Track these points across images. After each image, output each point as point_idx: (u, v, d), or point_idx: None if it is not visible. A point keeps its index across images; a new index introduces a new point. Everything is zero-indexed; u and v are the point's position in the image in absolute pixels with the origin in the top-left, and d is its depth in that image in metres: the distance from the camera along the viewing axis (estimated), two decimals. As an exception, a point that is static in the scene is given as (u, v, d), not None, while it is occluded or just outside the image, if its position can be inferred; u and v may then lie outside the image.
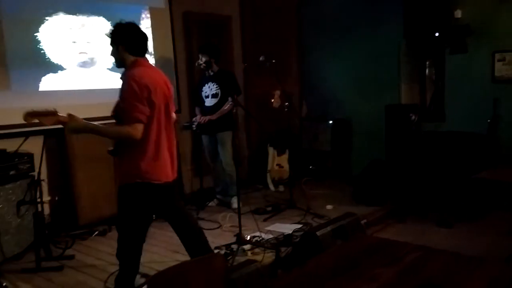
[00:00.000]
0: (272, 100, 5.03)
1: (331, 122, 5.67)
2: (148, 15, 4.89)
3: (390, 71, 5.30)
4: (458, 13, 4.65)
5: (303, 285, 1.60)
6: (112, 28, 2.63)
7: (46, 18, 4.05)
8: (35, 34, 3.97)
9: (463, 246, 3.42)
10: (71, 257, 3.49)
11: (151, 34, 4.88)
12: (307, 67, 6.14)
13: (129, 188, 2.57)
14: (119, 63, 2.64)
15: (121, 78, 2.57)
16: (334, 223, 3.21)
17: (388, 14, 5.25)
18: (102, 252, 3.60)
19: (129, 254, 2.70)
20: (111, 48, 2.64)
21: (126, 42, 2.56)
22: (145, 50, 2.65)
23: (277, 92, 5.03)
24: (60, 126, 2.49)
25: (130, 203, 2.60)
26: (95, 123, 2.62)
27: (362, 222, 3.91)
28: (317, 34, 5.97)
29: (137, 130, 2.40)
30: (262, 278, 2.38)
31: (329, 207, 4.52)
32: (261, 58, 4.43)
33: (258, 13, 6.00)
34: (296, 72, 6.15)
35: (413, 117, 4.83)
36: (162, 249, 3.62)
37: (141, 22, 4.82)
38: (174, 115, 2.84)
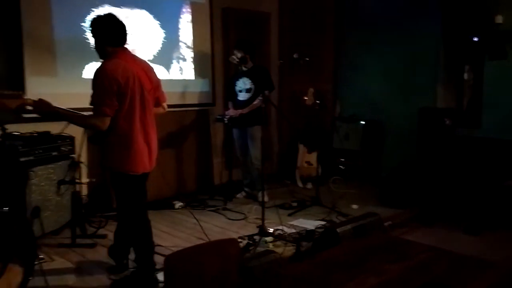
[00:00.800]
0: (305, 98, 5.09)
1: (363, 122, 5.65)
2: (189, 10, 5.05)
3: (426, 74, 5.23)
4: (499, 19, 4.52)
5: (311, 275, 1.67)
6: (90, 22, 2.71)
7: (93, 9, 4.28)
8: (81, 24, 4.21)
9: (488, 254, 3.37)
10: (104, 236, 3.70)
11: (191, 29, 5.06)
12: (342, 66, 6.14)
13: (113, 175, 2.75)
14: (100, 54, 2.73)
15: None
16: (356, 222, 3.26)
17: (427, 16, 5.18)
18: (132, 234, 3.79)
19: (134, 234, 2.86)
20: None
21: (103, 34, 2.66)
22: (122, 40, 2.70)
23: (311, 90, 5.09)
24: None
25: (117, 188, 2.79)
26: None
27: (387, 224, 3.93)
28: (355, 33, 5.95)
29: (103, 122, 2.54)
30: (280, 268, 2.46)
31: (354, 206, 4.54)
32: (295, 56, 4.51)
33: (297, 11, 6.05)
34: (331, 70, 6.15)
35: (448, 122, 4.76)
36: (187, 235, 3.77)
37: (182, 16, 5.00)
38: (165, 105, 2.97)
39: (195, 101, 5.17)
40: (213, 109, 5.36)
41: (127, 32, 2.74)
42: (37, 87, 3.92)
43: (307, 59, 4.49)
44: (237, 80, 4.74)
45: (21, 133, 3.64)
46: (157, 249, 3.39)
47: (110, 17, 2.70)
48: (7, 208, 2.71)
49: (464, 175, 4.43)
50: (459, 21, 4.95)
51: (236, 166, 5.08)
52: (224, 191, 4.87)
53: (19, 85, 3.84)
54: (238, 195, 4.95)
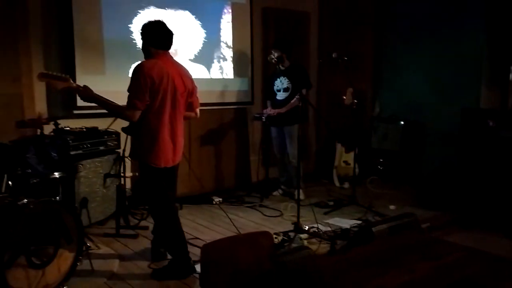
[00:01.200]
0: (344, 97, 5.08)
1: (402, 122, 5.58)
2: (230, 10, 5.17)
3: (469, 73, 5.09)
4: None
5: (343, 268, 1.72)
6: (142, 25, 2.96)
7: (139, 11, 4.47)
8: (128, 26, 4.41)
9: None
10: (145, 227, 3.87)
11: (231, 29, 5.17)
12: (382, 66, 6.07)
13: (140, 165, 2.99)
14: (145, 54, 2.96)
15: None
16: (392, 221, 3.24)
17: (471, 15, 5.04)
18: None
19: (168, 225, 3.04)
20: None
21: (150, 37, 2.91)
22: (166, 44, 2.95)
23: (350, 90, 5.06)
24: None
25: (143, 178, 3.06)
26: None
27: (425, 225, 3.87)
28: (395, 33, 5.87)
29: (133, 114, 2.77)
30: (312, 262, 2.51)
31: (392, 207, 4.50)
32: (333, 55, 4.52)
33: (337, 10, 6.04)
34: (371, 70, 6.10)
35: (491, 123, 4.62)
36: (224, 229, 3.88)
37: (223, 16, 5.12)
38: (197, 111, 3.17)
39: (234, 100, 5.29)
40: (251, 108, 5.46)
41: (172, 38, 2.98)
42: (87, 84, 4.13)
43: (346, 58, 4.49)
44: (275, 79, 4.81)
45: (71, 128, 3.87)
46: (195, 241, 3.55)
47: (159, 23, 2.95)
48: (58, 197, 2.92)
49: (507, 178, 4.29)
50: (504, 20, 4.79)
51: (273, 164, 5.16)
52: (261, 188, 4.96)
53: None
54: (275, 193, 5.02)
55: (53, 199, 2.80)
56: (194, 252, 3.32)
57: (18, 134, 3.56)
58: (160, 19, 2.99)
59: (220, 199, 4.75)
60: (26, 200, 2.58)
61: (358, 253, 1.89)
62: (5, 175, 2.68)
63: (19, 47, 3.74)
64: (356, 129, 5.37)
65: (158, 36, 2.92)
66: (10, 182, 2.72)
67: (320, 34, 6.11)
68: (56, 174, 2.94)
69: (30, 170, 2.83)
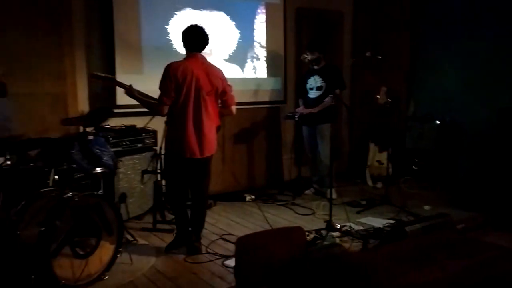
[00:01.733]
0: (378, 96, 5.05)
1: (438, 122, 5.48)
2: (264, 10, 5.23)
3: (508, 73, 4.95)
4: None
5: (375, 263, 1.75)
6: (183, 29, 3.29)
7: (176, 12, 4.60)
8: (165, 27, 4.54)
9: None
10: (181, 223, 3.99)
11: (265, 29, 5.23)
12: (418, 65, 5.98)
13: (165, 152, 3.37)
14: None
15: None
16: (425, 221, 3.23)
17: (509, 14, 4.89)
18: (207, 223, 3.97)
19: (172, 205, 3.52)
20: None
21: (184, 40, 3.26)
22: (196, 47, 3.24)
23: (383, 89, 5.03)
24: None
25: (165, 164, 3.49)
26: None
27: (460, 226, 3.82)
28: (431, 31, 5.77)
29: (162, 109, 3.16)
30: (344, 256, 2.54)
31: (426, 207, 4.44)
32: (367, 54, 4.50)
33: (372, 9, 6.00)
34: (406, 69, 6.02)
35: (530, 123, 4.49)
36: (257, 226, 3.94)
37: (257, 17, 5.19)
38: (232, 109, 3.43)
39: (267, 99, 5.35)
40: (284, 107, 5.51)
41: (202, 42, 3.25)
42: (126, 83, 4.30)
43: (380, 57, 4.47)
44: (309, 78, 4.84)
45: (112, 126, 4.04)
46: (228, 237, 3.63)
47: (191, 28, 3.25)
48: (100, 191, 3.07)
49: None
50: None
51: (306, 163, 5.19)
52: (293, 187, 5.00)
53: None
54: (307, 192, 5.05)
55: (95, 193, 2.95)
56: (227, 247, 3.43)
57: (62, 131, 3.76)
58: (196, 24, 3.27)
59: (253, 197, 4.82)
60: (71, 193, 2.74)
61: (390, 250, 1.91)
62: (52, 170, 2.84)
63: (63, 48, 3.93)
64: (390, 129, 5.33)
65: (189, 40, 3.24)
66: (56, 177, 2.88)
67: (354, 33, 6.08)
68: (98, 170, 3.08)
69: (74, 165, 2.99)
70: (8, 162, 2.59)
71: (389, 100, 4.70)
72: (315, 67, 4.74)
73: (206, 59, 3.30)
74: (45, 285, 2.53)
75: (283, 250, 1.84)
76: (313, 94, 4.79)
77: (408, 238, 2.54)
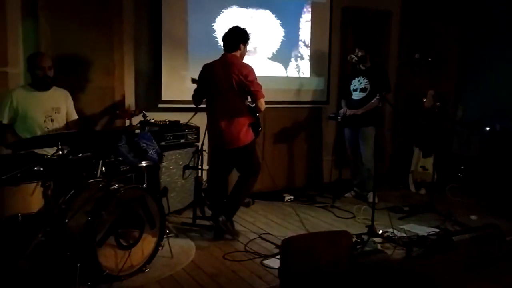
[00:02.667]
0: (424, 100, 4.88)
1: (488, 128, 5.24)
2: (309, 9, 5.17)
3: None
4: None
5: (424, 272, 1.68)
6: None
7: (222, 10, 4.62)
8: (212, 24, 4.57)
9: None
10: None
11: (310, 28, 5.17)
12: (468, 67, 5.74)
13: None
14: None
15: None
16: (474, 232, 3.08)
17: None
18: (245, 221, 4.05)
19: (211, 191, 3.84)
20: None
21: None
22: (225, 47, 3.53)
23: (431, 92, 4.85)
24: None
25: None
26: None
27: (509, 238, 3.63)
28: (484, 32, 5.52)
29: (195, 104, 3.72)
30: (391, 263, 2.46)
31: (473, 217, 4.25)
32: (416, 56, 4.36)
33: (420, 9, 5.81)
34: (455, 72, 5.80)
35: None
36: (295, 227, 3.90)
37: (302, 15, 5.13)
38: (257, 103, 3.50)
39: (310, 99, 5.29)
40: (326, 107, 5.43)
41: (226, 43, 3.52)
42: (171, 80, 4.37)
43: (430, 59, 4.31)
44: (353, 78, 4.74)
45: (156, 121, 4.09)
46: (266, 236, 3.61)
47: (228, 30, 3.55)
48: (145, 185, 3.13)
49: None
50: None
51: (347, 165, 5.09)
52: (333, 189, 4.91)
53: (158, 78, 4.33)
54: (347, 195, 4.95)
55: (140, 186, 2.99)
56: (266, 247, 3.41)
57: (109, 124, 3.86)
58: (233, 26, 3.56)
59: (292, 197, 4.78)
60: (117, 185, 2.80)
61: (441, 260, 1.82)
62: (100, 161, 2.91)
63: (113, 42, 4.02)
64: (436, 133, 5.15)
65: (223, 41, 3.57)
66: (103, 168, 2.95)
67: (401, 33, 5.92)
68: (144, 163, 3.13)
69: (121, 158, 3.05)
70: (60, 153, 2.67)
71: (437, 104, 4.53)
72: (361, 67, 4.63)
73: (233, 58, 3.50)
74: (90, 273, 2.59)
75: (329, 253, 1.80)
76: (356, 95, 4.69)
77: (457, 249, 2.43)
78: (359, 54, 4.53)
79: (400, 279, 1.48)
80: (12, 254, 2.59)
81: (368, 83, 4.60)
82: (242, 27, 3.55)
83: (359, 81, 4.67)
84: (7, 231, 2.59)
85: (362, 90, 4.65)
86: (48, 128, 3.21)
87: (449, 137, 5.55)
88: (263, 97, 3.49)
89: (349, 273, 1.62)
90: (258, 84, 3.47)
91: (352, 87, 4.75)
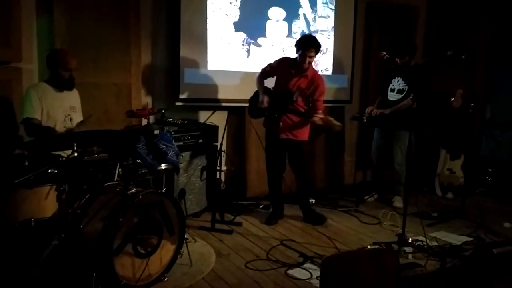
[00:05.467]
0: (453, 99, 4.64)
1: (520, 130, 4.99)
2: (333, 4, 4.95)
3: None
4: None
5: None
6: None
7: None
8: (233, 19, 4.38)
9: None
10: (239, 224, 3.84)
11: (333, 23, 4.96)
12: (499, 65, 5.48)
13: None
14: None
15: None
16: (515, 243, 2.86)
17: None
18: (266, 226, 3.87)
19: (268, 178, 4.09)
20: None
21: None
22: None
23: (459, 91, 4.61)
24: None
25: None
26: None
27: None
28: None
29: None
30: (426, 284, 2.27)
31: (507, 225, 4.02)
32: (448, 53, 4.10)
33: (448, 5, 5.56)
34: (484, 71, 5.54)
35: None
36: (319, 234, 3.72)
37: (324, 10, 4.91)
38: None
39: (331, 97, 5.07)
40: (349, 107, 5.21)
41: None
42: (191, 78, 4.20)
43: (463, 56, 4.06)
44: (393, 77, 4.47)
45: (173, 120, 3.92)
46: (290, 243, 3.43)
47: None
48: (164, 189, 2.96)
49: None
50: None
51: (370, 167, 4.87)
52: (356, 192, 4.70)
53: (176, 76, 4.15)
54: (369, 198, 4.74)
55: (159, 191, 2.83)
56: (288, 254, 3.23)
57: (125, 123, 3.69)
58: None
59: (313, 200, 4.57)
60: (135, 190, 2.64)
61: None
62: (118, 164, 2.75)
63: (130, 39, 3.86)
64: (464, 135, 4.91)
65: None
66: (120, 171, 2.79)
67: (428, 30, 5.67)
68: (163, 166, 2.97)
69: (139, 160, 2.89)
70: (75, 154, 2.51)
71: (472, 104, 4.28)
72: (404, 68, 4.35)
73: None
74: (106, 283, 2.44)
75: (372, 274, 1.61)
76: (392, 97, 4.42)
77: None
78: (400, 62, 4.29)
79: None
80: (25, 262, 2.45)
81: (406, 84, 4.35)
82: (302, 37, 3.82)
83: (398, 81, 4.42)
84: (20, 237, 2.45)
85: (399, 91, 4.39)
86: (67, 127, 3.06)
87: (478, 139, 5.30)
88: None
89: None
90: None
91: (390, 86, 4.48)
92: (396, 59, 4.31)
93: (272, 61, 3.91)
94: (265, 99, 3.77)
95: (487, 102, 5.54)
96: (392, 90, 4.44)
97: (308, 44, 3.66)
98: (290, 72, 3.80)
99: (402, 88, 4.35)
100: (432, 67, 5.36)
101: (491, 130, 5.23)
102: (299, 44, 3.71)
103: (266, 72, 3.88)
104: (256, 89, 3.92)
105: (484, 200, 4.77)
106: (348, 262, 1.61)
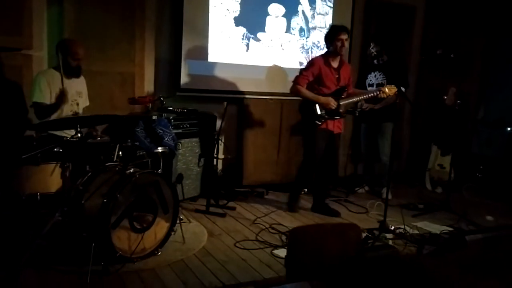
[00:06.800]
0: (445, 97, 4.81)
1: (510, 128, 5.13)
2: (331, 1, 5.12)
3: None
4: None
5: (434, 270, 1.68)
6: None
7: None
8: (233, 12, 4.57)
9: None
10: (233, 208, 4.06)
11: (331, 19, 5.13)
12: (493, 66, 5.62)
13: None
14: None
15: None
16: (488, 232, 3.04)
17: None
18: (258, 210, 4.09)
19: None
20: None
21: None
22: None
23: (452, 89, 4.77)
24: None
25: None
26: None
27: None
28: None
29: None
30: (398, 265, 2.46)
31: (489, 218, 4.19)
32: (438, 51, 4.28)
33: (445, 4, 5.70)
34: (479, 70, 5.68)
35: None
36: (306, 219, 3.92)
37: (323, 6, 5.08)
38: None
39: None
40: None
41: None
42: (192, 69, 4.41)
43: (452, 56, 4.23)
44: (369, 73, 4.67)
45: (174, 108, 4.13)
46: (278, 227, 3.64)
47: None
48: (160, 170, 3.18)
49: None
50: None
51: (362, 160, 5.06)
52: (347, 184, 4.90)
53: (177, 66, 4.37)
54: (360, 190, 4.93)
55: (155, 171, 3.05)
56: (276, 237, 3.44)
57: (128, 110, 3.93)
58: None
59: (306, 189, 4.78)
60: (133, 170, 2.86)
61: (451, 259, 1.82)
62: (118, 145, 2.97)
63: (135, 30, 4.08)
64: (456, 132, 5.07)
65: None
66: (120, 152, 3.01)
67: (425, 29, 5.81)
68: (160, 149, 3.19)
69: (137, 143, 3.11)
70: (78, 135, 2.73)
71: (458, 102, 4.45)
72: (380, 61, 4.57)
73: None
74: (103, 254, 2.67)
75: (337, 245, 1.81)
76: None
77: (469, 248, 2.41)
78: (374, 49, 4.47)
79: (408, 274, 1.49)
80: (30, 231, 2.69)
81: (384, 78, 4.53)
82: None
83: (375, 76, 4.61)
84: (27, 209, 2.69)
85: (378, 85, 4.58)
86: (73, 111, 3.29)
87: (469, 136, 5.46)
88: (293, 82, 3.89)
89: (357, 266, 1.64)
90: (299, 72, 3.91)
91: (367, 81, 4.68)
92: (372, 46, 4.51)
93: (305, 70, 3.88)
94: (332, 100, 3.80)
95: (482, 101, 5.69)
96: (371, 85, 4.62)
97: (340, 29, 3.85)
98: (331, 69, 3.88)
99: (381, 82, 4.52)
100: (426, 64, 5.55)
101: (482, 128, 5.38)
102: (331, 33, 3.85)
103: (307, 80, 3.85)
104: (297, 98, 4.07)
105: (471, 195, 4.94)
106: (313, 233, 1.81)
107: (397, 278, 1.39)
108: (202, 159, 4.23)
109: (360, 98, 4.03)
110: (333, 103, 3.80)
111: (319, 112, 3.84)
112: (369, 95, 3.95)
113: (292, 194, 4.20)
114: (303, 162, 4.09)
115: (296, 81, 3.88)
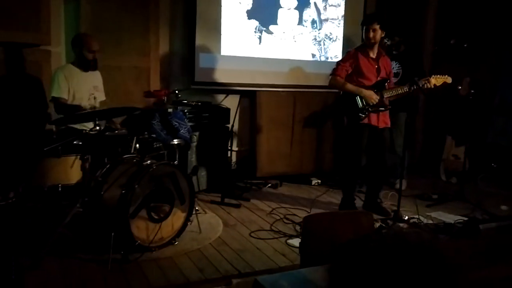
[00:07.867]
0: (459, 87, 4.78)
1: (526, 118, 5.08)
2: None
3: None
4: None
5: (445, 254, 1.70)
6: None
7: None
8: (247, 9, 4.61)
9: None
10: (247, 199, 4.11)
11: (343, 10, 5.12)
12: (508, 55, 5.54)
13: None
14: None
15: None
16: (502, 221, 3.05)
17: None
18: (272, 202, 4.14)
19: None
20: None
21: None
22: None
23: (466, 79, 4.75)
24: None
25: None
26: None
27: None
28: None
29: None
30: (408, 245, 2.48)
31: (504, 207, 4.18)
32: (451, 41, 4.25)
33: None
34: (494, 59, 5.61)
35: None
36: (321, 210, 3.92)
37: (336, -1, 5.09)
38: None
39: (341, 84, 5.26)
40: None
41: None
42: (205, 62, 4.46)
43: (465, 45, 4.20)
44: None
45: (188, 101, 4.20)
46: (292, 218, 3.69)
47: None
48: (176, 162, 3.25)
49: None
50: None
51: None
52: (361, 175, 4.89)
53: (191, 60, 4.43)
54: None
55: (171, 163, 3.12)
56: (291, 227, 3.49)
57: (144, 103, 4.00)
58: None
59: (319, 181, 4.82)
60: (150, 161, 2.93)
61: (462, 244, 1.85)
62: (135, 138, 3.05)
63: (149, 25, 4.15)
64: (470, 122, 5.03)
65: None
66: (137, 145, 3.09)
67: (438, 18, 5.76)
68: (175, 141, 3.26)
69: (154, 135, 3.19)
70: (97, 128, 2.82)
71: (472, 91, 4.42)
72: (395, 52, 4.55)
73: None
74: (123, 243, 2.75)
75: (350, 233, 1.85)
76: None
77: (482, 236, 2.43)
78: (389, 42, 4.43)
79: (418, 255, 1.52)
80: (52, 221, 2.79)
81: (400, 68, 4.53)
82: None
83: (391, 66, 4.60)
84: (48, 200, 2.79)
85: (394, 75, 4.58)
86: (91, 105, 3.38)
87: (484, 126, 5.41)
88: (331, 74, 3.74)
89: (368, 245, 1.67)
90: (336, 64, 3.77)
91: None
92: (387, 39, 4.39)
93: (343, 61, 3.75)
94: (374, 94, 3.64)
95: (498, 89, 5.62)
96: None
97: (371, 19, 3.73)
98: (369, 59, 3.73)
99: (397, 72, 4.51)
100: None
101: (497, 117, 5.33)
102: (363, 22, 3.76)
103: (346, 70, 3.68)
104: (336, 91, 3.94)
105: (486, 185, 4.92)
106: (327, 221, 1.85)
107: (406, 258, 1.43)
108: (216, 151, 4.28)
109: (405, 89, 3.76)
110: (375, 97, 3.62)
111: (361, 104, 3.64)
112: (414, 86, 3.72)
113: (345, 198, 3.90)
114: (346, 164, 3.88)
115: (335, 72, 3.70)
